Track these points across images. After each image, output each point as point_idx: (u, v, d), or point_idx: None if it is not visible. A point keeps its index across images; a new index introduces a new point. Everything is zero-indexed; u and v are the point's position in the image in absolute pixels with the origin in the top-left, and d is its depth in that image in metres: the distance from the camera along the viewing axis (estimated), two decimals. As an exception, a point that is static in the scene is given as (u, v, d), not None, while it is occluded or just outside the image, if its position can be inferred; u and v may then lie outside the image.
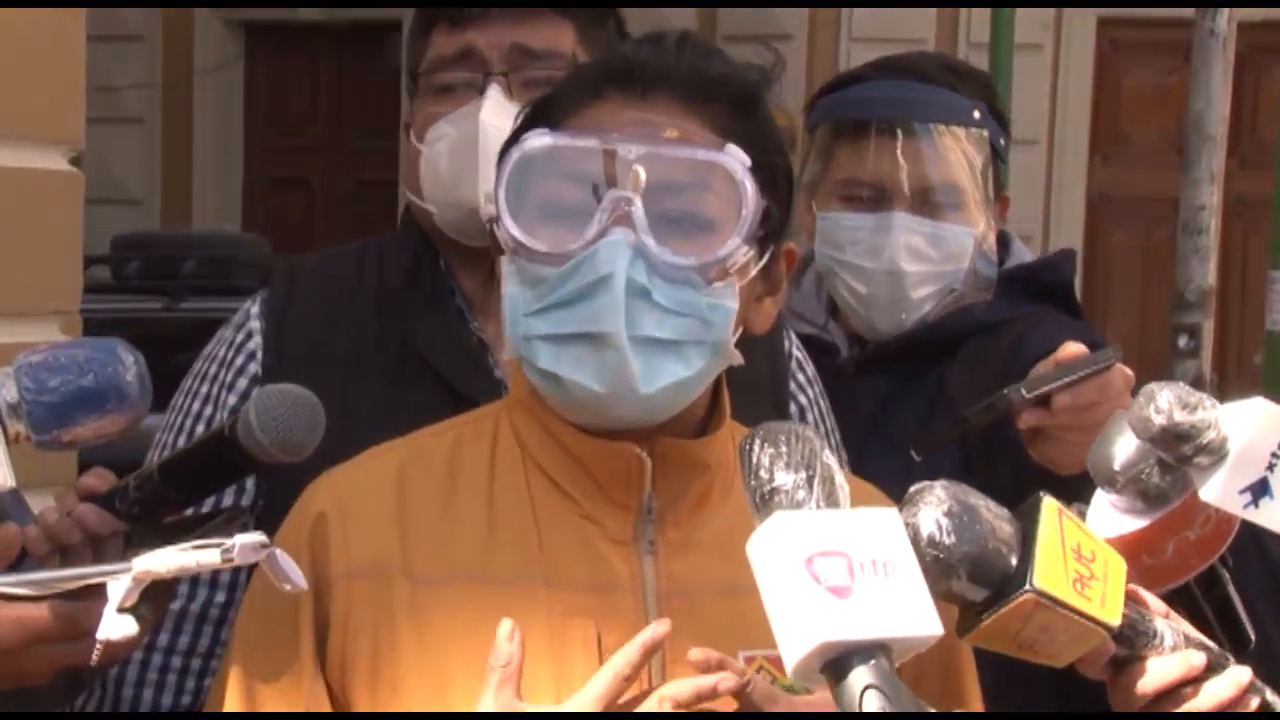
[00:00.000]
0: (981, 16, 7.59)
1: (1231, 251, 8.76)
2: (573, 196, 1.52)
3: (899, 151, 2.31)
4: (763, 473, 1.29)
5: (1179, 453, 1.47)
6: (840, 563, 1.22)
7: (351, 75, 11.30)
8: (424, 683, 1.50)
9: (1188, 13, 4.42)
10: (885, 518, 1.27)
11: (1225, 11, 4.01)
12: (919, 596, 1.23)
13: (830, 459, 1.31)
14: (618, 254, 1.48)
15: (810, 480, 1.28)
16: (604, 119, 1.54)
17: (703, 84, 1.56)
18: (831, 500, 1.28)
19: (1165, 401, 1.45)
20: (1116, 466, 1.50)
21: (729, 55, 1.62)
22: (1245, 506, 1.48)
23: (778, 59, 1.64)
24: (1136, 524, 1.52)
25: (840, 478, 1.30)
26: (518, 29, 1.93)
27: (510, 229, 1.53)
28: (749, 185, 1.51)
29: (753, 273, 1.55)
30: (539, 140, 1.53)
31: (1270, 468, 1.47)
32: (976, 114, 2.36)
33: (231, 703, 1.55)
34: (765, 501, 1.28)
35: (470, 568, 1.53)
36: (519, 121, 1.62)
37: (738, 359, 1.57)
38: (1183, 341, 4.05)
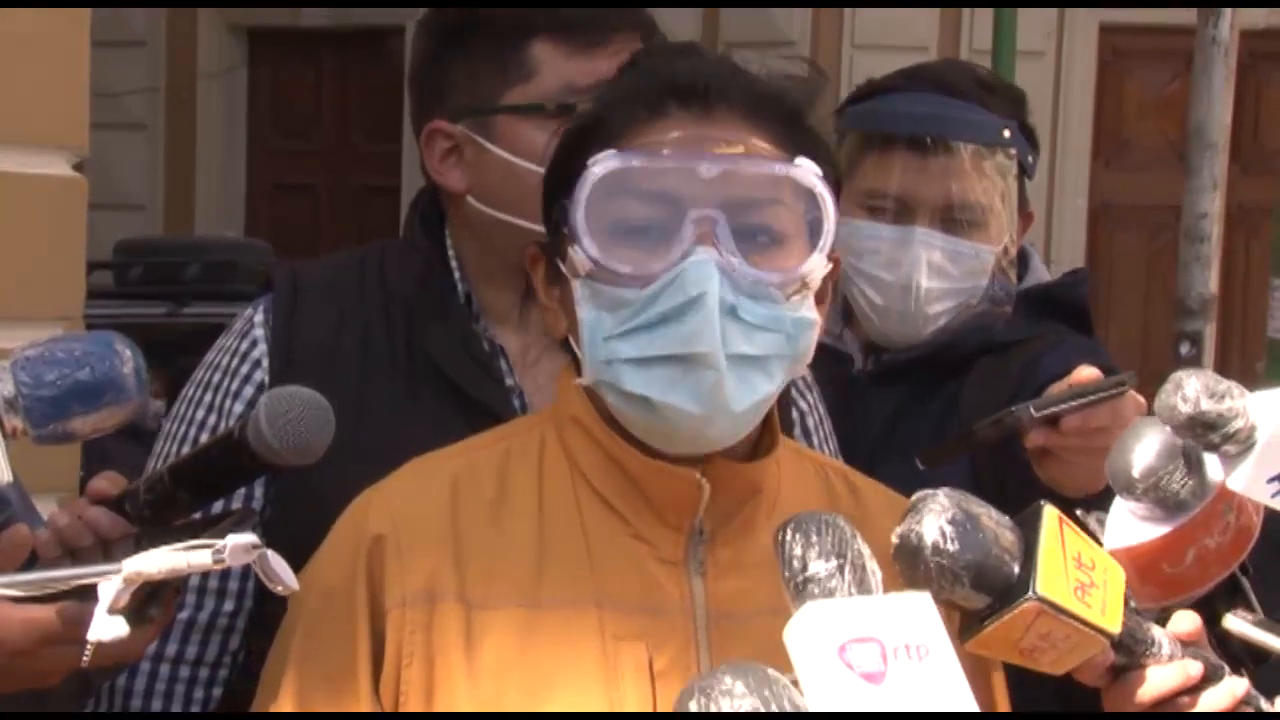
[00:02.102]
0: (984, 23, 7.58)
1: (1234, 259, 8.74)
2: (648, 216, 1.52)
3: (925, 168, 2.32)
4: (795, 562, 1.31)
5: (1206, 441, 1.47)
6: (873, 649, 1.24)
7: (355, 80, 11.29)
8: (478, 706, 1.50)
9: (1189, 20, 4.42)
10: (918, 602, 1.28)
11: (1227, 18, 4.01)
12: (953, 678, 1.25)
13: (862, 545, 1.32)
14: (708, 273, 1.48)
15: (842, 568, 1.30)
16: (669, 137, 1.54)
17: (761, 99, 1.57)
18: (864, 587, 1.30)
19: (1193, 390, 1.45)
20: (1135, 474, 1.50)
21: (771, 71, 1.62)
22: (1273, 496, 1.48)
23: (822, 76, 1.65)
24: (1156, 532, 1.52)
25: (872, 564, 1.31)
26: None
27: (591, 252, 1.52)
28: (828, 197, 1.53)
29: (819, 283, 1.57)
30: (611, 162, 1.52)
31: None
32: (1006, 133, 2.36)
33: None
34: (799, 591, 1.30)
35: (522, 590, 1.53)
36: (561, 138, 1.61)
37: (804, 370, 1.60)
38: (1184, 349, 4.03)
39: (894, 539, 1.37)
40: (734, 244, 1.50)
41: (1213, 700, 1.47)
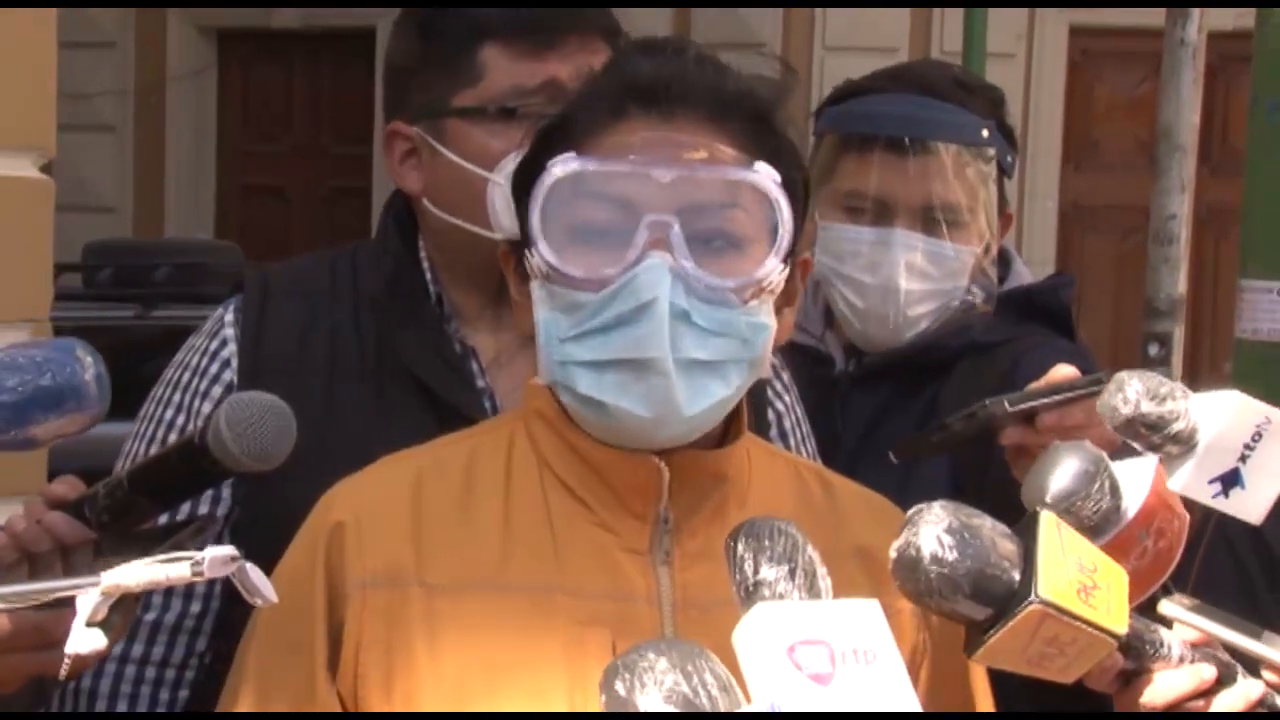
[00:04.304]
0: (954, 25, 7.61)
1: (1203, 260, 8.79)
2: (604, 220, 1.53)
3: (904, 169, 2.31)
4: (747, 567, 1.32)
5: (1148, 441, 1.48)
6: (822, 651, 1.25)
7: (325, 82, 11.27)
8: (439, 691, 1.51)
9: (1159, 22, 4.44)
10: (866, 608, 1.29)
11: (1195, 21, 4.03)
12: (899, 683, 1.25)
13: (813, 552, 1.33)
14: (659, 278, 1.49)
15: (793, 573, 1.31)
16: (630, 140, 1.54)
17: (724, 101, 1.56)
18: (814, 592, 1.31)
19: (1134, 392, 1.47)
20: (1049, 498, 1.50)
21: (739, 69, 1.62)
22: (1214, 496, 1.49)
23: (790, 73, 1.65)
24: None
25: (823, 570, 1.33)
26: (589, 56, 1.87)
27: (546, 255, 1.53)
28: (784, 203, 1.53)
29: (781, 288, 1.57)
30: (570, 165, 1.53)
31: (1243, 459, 1.49)
32: (985, 132, 2.36)
33: (244, 709, 1.56)
34: (750, 594, 1.31)
35: (486, 575, 1.54)
36: (531, 142, 1.61)
37: (768, 373, 1.59)
38: (1153, 350, 4.05)
39: (892, 553, 1.37)
40: (688, 249, 1.51)
41: (1227, 703, 1.48)
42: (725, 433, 1.62)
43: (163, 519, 1.66)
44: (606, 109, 1.56)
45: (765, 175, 1.53)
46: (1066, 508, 1.49)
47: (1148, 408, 1.46)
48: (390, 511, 1.57)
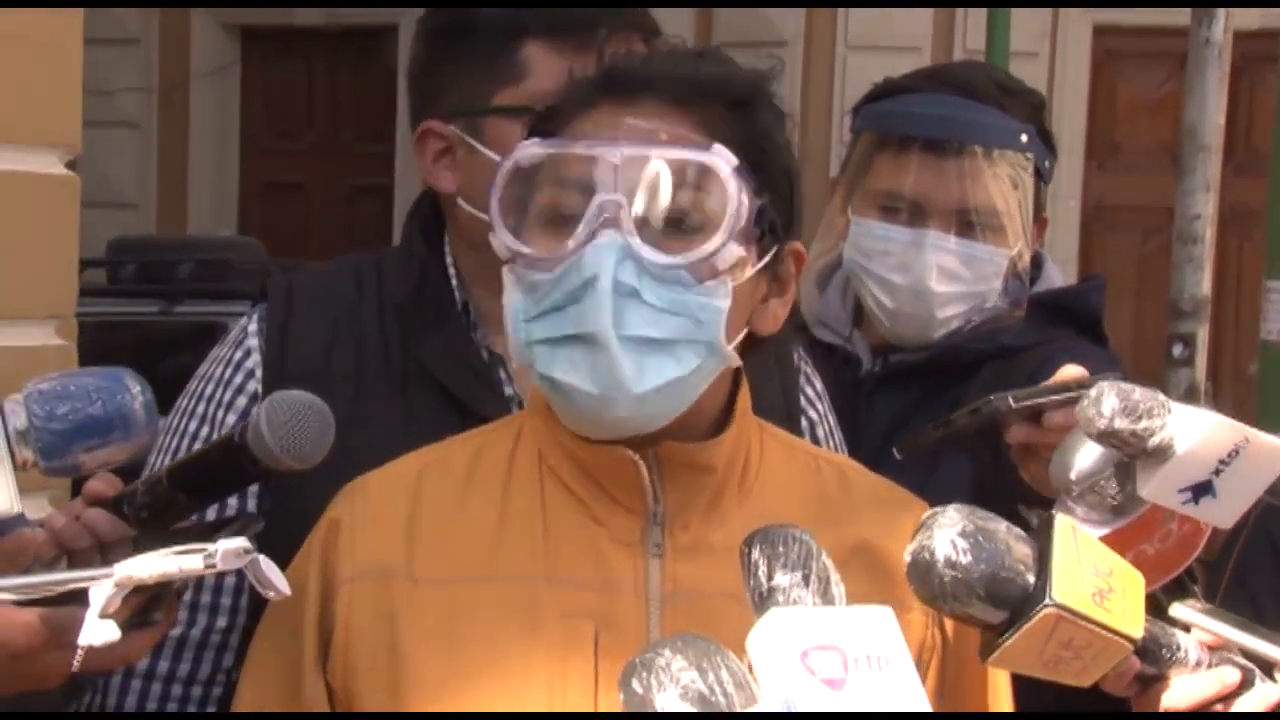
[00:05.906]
0: (978, 24, 7.59)
1: (1227, 260, 8.76)
2: (567, 202, 1.55)
3: (941, 170, 2.30)
4: (760, 573, 1.33)
5: (1124, 451, 1.49)
6: (835, 656, 1.25)
7: (347, 80, 11.30)
8: (420, 682, 1.53)
9: (1183, 21, 4.42)
10: (879, 614, 1.29)
11: (1221, 20, 4.01)
12: (912, 689, 1.26)
13: (826, 559, 1.33)
14: (605, 255, 1.51)
15: (806, 579, 1.32)
16: (594, 126, 1.56)
17: (692, 87, 1.57)
18: (827, 598, 1.32)
19: (1108, 407, 1.47)
20: (1073, 476, 1.51)
21: (726, 56, 1.63)
22: (1184, 504, 1.50)
23: (777, 62, 1.65)
24: (1093, 534, 1.51)
25: (835, 576, 1.33)
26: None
27: (504, 238, 1.56)
28: (733, 184, 1.53)
29: (749, 272, 1.56)
30: (530, 150, 1.57)
31: (1216, 473, 1.49)
32: (1024, 137, 2.34)
33: (242, 701, 1.60)
34: (764, 600, 1.32)
35: (474, 568, 1.56)
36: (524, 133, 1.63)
37: (734, 360, 1.58)
38: (1177, 350, 4.03)
39: (906, 557, 1.38)
40: (638, 228, 1.52)
41: (1246, 706, 1.48)
42: (721, 426, 1.62)
43: (208, 516, 1.67)
44: (582, 99, 1.59)
45: (719, 157, 1.54)
46: (1091, 486, 1.50)
47: (1121, 425, 1.47)
48: (387, 508, 1.60)
